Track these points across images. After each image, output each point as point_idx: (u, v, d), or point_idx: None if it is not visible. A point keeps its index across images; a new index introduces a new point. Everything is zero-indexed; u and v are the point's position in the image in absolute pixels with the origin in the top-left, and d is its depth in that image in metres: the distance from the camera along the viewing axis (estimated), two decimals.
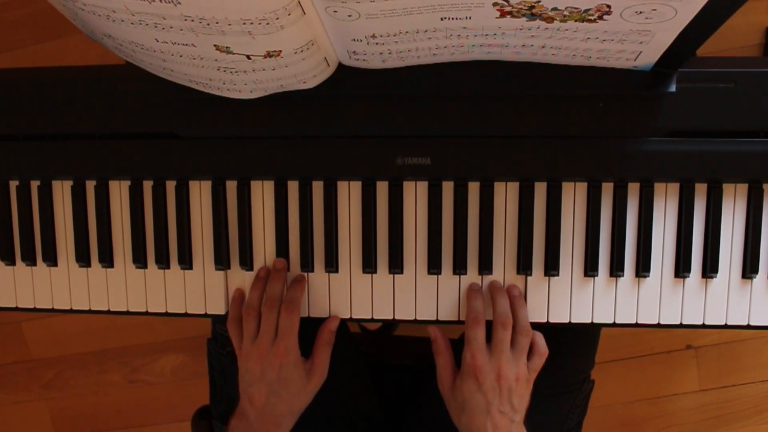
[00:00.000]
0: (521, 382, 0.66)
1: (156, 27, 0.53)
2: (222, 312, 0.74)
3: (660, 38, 0.55)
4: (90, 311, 0.76)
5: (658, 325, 0.70)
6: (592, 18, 0.52)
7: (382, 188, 0.71)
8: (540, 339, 0.68)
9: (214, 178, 0.72)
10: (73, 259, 0.76)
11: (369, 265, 0.71)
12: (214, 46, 0.55)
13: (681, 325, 0.70)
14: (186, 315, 0.75)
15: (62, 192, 0.75)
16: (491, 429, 0.65)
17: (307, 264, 0.72)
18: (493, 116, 0.67)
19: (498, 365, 0.65)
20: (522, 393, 0.66)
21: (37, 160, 0.73)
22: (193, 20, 0.51)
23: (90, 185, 0.74)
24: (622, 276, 0.70)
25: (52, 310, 0.77)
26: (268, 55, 0.57)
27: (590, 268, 0.69)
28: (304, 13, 0.53)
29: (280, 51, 0.56)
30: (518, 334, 0.67)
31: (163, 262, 0.74)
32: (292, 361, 0.69)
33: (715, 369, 1.41)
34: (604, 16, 0.52)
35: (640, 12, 0.51)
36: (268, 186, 0.72)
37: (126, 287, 0.75)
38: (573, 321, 0.71)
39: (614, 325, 0.71)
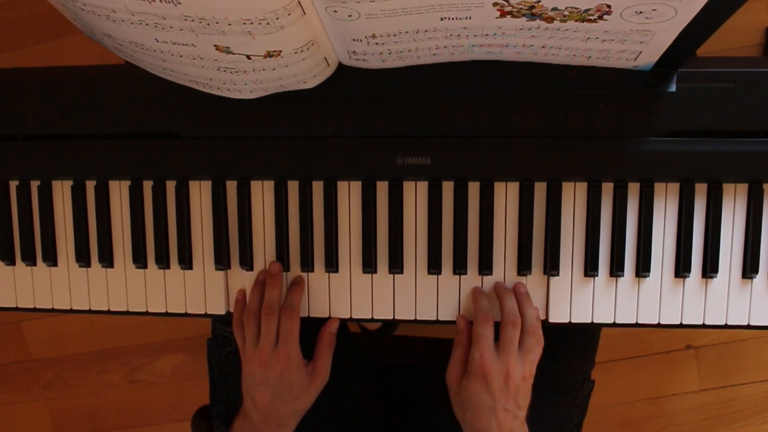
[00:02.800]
0: (527, 381, 0.66)
1: (156, 27, 0.53)
2: (222, 312, 0.74)
3: (660, 38, 0.55)
4: (90, 311, 0.76)
5: (658, 325, 0.70)
6: (592, 18, 0.52)
7: (382, 188, 0.71)
8: (538, 330, 0.68)
9: (214, 178, 0.72)
10: (73, 259, 0.76)
11: (369, 265, 0.71)
12: (214, 46, 0.55)
13: (681, 325, 0.70)
14: (186, 315, 0.75)
15: (62, 192, 0.75)
16: (495, 427, 0.65)
17: (307, 264, 0.72)
18: (493, 116, 0.67)
19: (506, 366, 0.65)
20: (527, 391, 0.67)
21: (37, 160, 0.73)
22: (193, 20, 0.51)
23: (90, 185, 0.74)
24: (622, 276, 0.70)
25: (52, 310, 0.77)
26: (268, 55, 0.57)
27: (590, 268, 0.69)
28: (304, 13, 0.53)
29: (280, 51, 0.56)
30: (526, 333, 0.67)
31: (163, 262, 0.74)
32: (294, 366, 0.69)
33: (715, 369, 1.41)
34: (604, 16, 0.52)
35: (640, 12, 0.51)
36: (268, 186, 0.72)
37: (126, 287, 0.75)
38: (573, 321, 0.71)
39: (614, 325, 0.71)
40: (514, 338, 0.66)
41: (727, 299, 0.69)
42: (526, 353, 0.67)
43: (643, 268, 0.69)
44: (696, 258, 0.69)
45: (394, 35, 0.56)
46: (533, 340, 0.67)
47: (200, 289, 0.74)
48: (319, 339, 0.73)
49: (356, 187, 0.71)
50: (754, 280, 0.69)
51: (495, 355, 0.66)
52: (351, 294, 0.73)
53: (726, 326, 0.70)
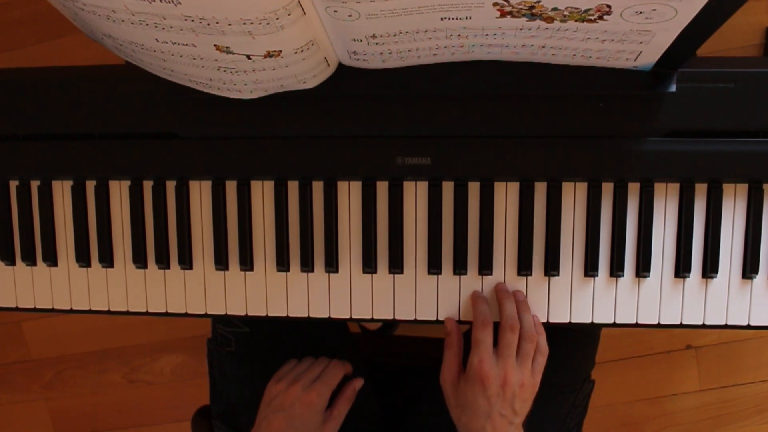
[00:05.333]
0: (526, 387, 0.67)
1: (156, 27, 0.53)
2: (222, 312, 0.74)
3: (660, 38, 0.55)
4: (90, 311, 0.76)
5: (658, 325, 0.70)
6: (592, 18, 0.52)
7: (382, 188, 0.71)
8: (542, 339, 0.69)
9: (214, 178, 0.72)
10: (73, 259, 0.76)
11: (369, 265, 0.71)
12: (214, 46, 0.55)
13: (681, 325, 0.70)
14: (186, 315, 0.75)
15: (62, 192, 0.75)
16: (490, 430, 0.65)
17: (307, 264, 0.72)
18: (492, 116, 0.67)
19: (504, 372, 0.66)
20: (525, 397, 0.67)
21: (37, 160, 0.73)
22: (193, 20, 0.51)
23: (90, 185, 0.74)
24: (622, 276, 0.70)
25: (52, 310, 0.77)
26: (269, 55, 0.57)
27: (590, 268, 0.69)
28: (304, 13, 0.53)
29: (280, 51, 0.56)
30: (523, 340, 0.67)
31: (163, 262, 0.74)
32: (318, 406, 0.74)
33: (715, 369, 1.41)
34: (605, 16, 0.52)
35: (640, 12, 0.51)
36: (268, 186, 0.72)
37: (126, 287, 0.75)
38: (573, 321, 0.71)
39: (614, 325, 0.71)
40: (512, 343, 0.66)
41: (727, 299, 0.69)
42: (523, 360, 0.67)
43: (643, 268, 0.69)
44: (696, 258, 0.69)
45: (395, 35, 0.56)
46: (531, 347, 0.67)
47: (200, 289, 0.74)
48: (342, 391, 0.77)
49: (356, 187, 0.71)
50: (754, 280, 0.69)
51: (494, 360, 0.66)
52: (351, 294, 0.73)
53: (726, 326, 0.70)
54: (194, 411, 0.92)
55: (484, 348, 0.66)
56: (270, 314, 0.74)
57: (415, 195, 0.71)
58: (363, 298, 0.73)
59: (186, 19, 0.51)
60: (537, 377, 0.68)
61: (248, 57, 0.57)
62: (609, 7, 0.50)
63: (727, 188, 0.68)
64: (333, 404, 0.76)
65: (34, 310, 0.78)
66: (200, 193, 0.73)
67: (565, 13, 0.52)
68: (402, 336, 1.08)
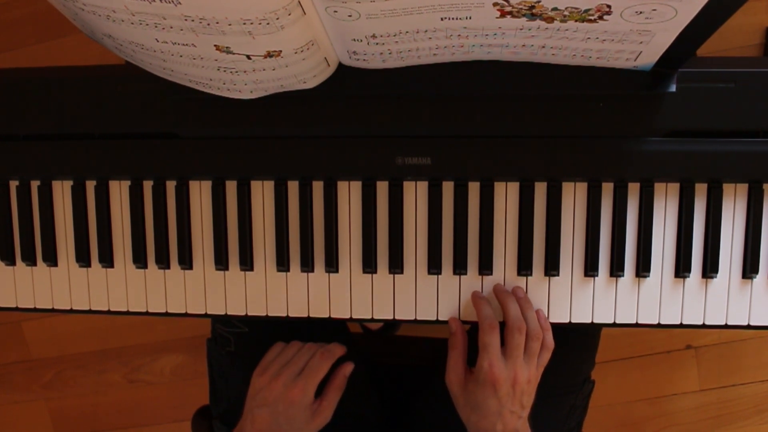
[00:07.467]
0: (532, 383, 0.68)
1: (156, 27, 0.53)
2: (222, 312, 0.74)
3: (660, 38, 0.55)
4: (90, 311, 0.76)
5: (658, 325, 0.70)
6: (592, 18, 0.52)
7: (382, 188, 0.71)
8: (548, 335, 0.69)
9: (214, 178, 0.72)
10: (73, 259, 0.76)
11: (369, 265, 0.71)
12: (215, 46, 0.55)
13: (681, 325, 0.70)
14: (186, 315, 0.75)
15: (62, 192, 0.75)
16: (500, 428, 0.66)
17: (307, 264, 0.72)
18: (493, 116, 0.67)
19: (513, 372, 0.66)
20: (531, 391, 0.68)
21: (37, 160, 0.73)
22: (193, 20, 0.51)
23: (90, 185, 0.74)
24: (622, 276, 0.70)
25: (52, 310, 0.77)
26: (269, 55, 0.57)
27: (590, 268, 0.69)
28: (305, 13, 0.53)
29: (281, 51, 0.56)
30: (529, 338, 0.68)
31: (163, 262, 0.74)
32: (302, 402, 0.71)
33: (715, 369, 1.41)
34: (605, 17, 0.52)
35: (640, 12, 0.51)
36: (268, 186, 0.72)
37: (126, 287, 0.75)
38: (573, 321, 0.71)
39: (614, 325, 0.71)
40: (520, 344, 0.67)
41: (727, 299, 0.69)
42: (530, 357, 0.67)
43: (643, 268, 0.69)
44: (696, 258, 0.69)
45: (395, 35, 0.56)
46: (537, 344, 0.67)
47: (200, 289, 0.74)
48: (331, 379, 0.74)
49: (356, 187, 0.71)
50: (754, 280, 0.69)
51: (503, 362, 0.66)
52: (351, 294, 0.73)
53: (726, 326, 0.70)
54: (194, 411, 0.92)
55: (493, 351, 0.67)
56: (270, 314, 0.74)
57: (415, 195, 0.71)
58: (363, 298, 0.73)
59: (186, 19, 0.51)
60: (540, 370, 0.69)
61: (248, 57, 0.57)
62: (609, 7, 0.50)
63: (727, 188, 0.68)
64: (322, 395, 0.73)
65: (34, 310, 0.78)
66: (200, 193, 0.73)
67: (565, 13, 0.52)
68: (402, 336, 1.08)
